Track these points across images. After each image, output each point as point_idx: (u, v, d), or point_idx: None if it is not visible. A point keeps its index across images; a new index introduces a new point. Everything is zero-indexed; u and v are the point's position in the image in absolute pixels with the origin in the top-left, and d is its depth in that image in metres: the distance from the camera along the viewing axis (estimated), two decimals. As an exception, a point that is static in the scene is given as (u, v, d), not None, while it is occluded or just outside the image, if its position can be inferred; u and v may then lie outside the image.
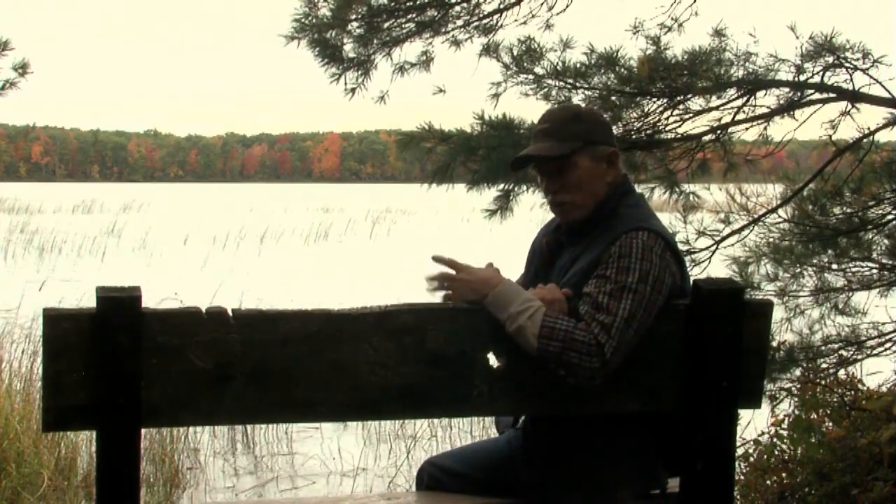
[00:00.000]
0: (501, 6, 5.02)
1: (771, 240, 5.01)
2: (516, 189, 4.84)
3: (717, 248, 4.96)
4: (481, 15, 5.03)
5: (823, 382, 4.44)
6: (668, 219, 4.90)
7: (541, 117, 2.68)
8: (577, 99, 4.84)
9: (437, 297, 2.46)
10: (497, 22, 5.04)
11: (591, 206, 2.55)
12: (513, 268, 2.80)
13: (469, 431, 7.17)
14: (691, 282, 2.51)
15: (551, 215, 2.75)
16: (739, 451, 4.05)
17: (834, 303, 5.12)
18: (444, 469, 2.79)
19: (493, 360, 2.40)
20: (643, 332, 2.36)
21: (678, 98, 4.86)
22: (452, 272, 2.45)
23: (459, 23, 5.03)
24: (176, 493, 5.85)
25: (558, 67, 4.79)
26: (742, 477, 4.11)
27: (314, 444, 6.87)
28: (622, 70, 4.78)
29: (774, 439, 4.21)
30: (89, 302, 2.27)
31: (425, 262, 2.58)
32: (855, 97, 4.71)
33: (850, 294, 5.13)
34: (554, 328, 2.30)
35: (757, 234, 5.03)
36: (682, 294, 2.48)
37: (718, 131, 4.99)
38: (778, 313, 5.14)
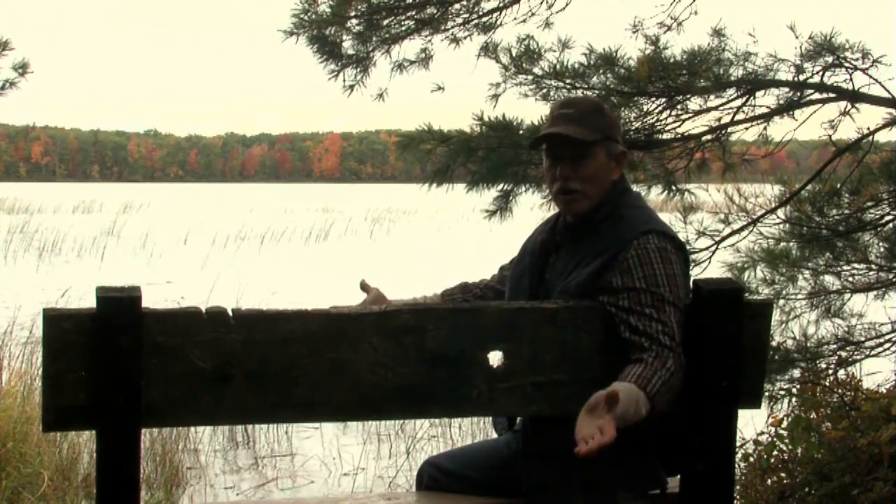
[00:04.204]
0: (501, 4, 5.02)
1: (766, 245, 5.00)
2: (516, 190, 4.84)
3: (717, 249, 4.95)
4: (481, 13, 5.02)
5: (824, 383, 4.44)
6: (667, 219, 4.89)
7: (562, 102, 2.67)
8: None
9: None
10: (496, 20, 5.04)
11: (596, 201, 2.56)
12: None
13: (469, 431, 7.17)
14: (691, 282, 2.52)
15: (550, 215, 2.75)
16: (739, 452, 4.05)
17: (830, 306, 5.11)
18: (443, 470, 2.79)
19: (493, 360, 2.40)
20: None
21: (677, 98, 4.85)
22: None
23: (459, 20, 5.03)
24: (176, 493, 5.85)
25: (557, 68, 4.79)
26: (742, 477, 4.11)
27: (314, 444, 6.88)
28: (621, 70, 4.78)
29: (774, 439, 4.21)
30: (89, 302, 2.27)
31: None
32: (855, 97, 4.71)
33: (848, 297, 5.12)
34: (656, 394, 2.30)
35: (752, 239, 5.01)
36: (688, 293, 2.50)
37: (718, 131, 4.99)
38: (774, 316, 5.12)
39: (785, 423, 4.24)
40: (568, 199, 2.57)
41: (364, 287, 2.80)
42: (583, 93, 4.80)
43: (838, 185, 4.86)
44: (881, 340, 4.99)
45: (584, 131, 2.54)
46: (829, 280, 5.15)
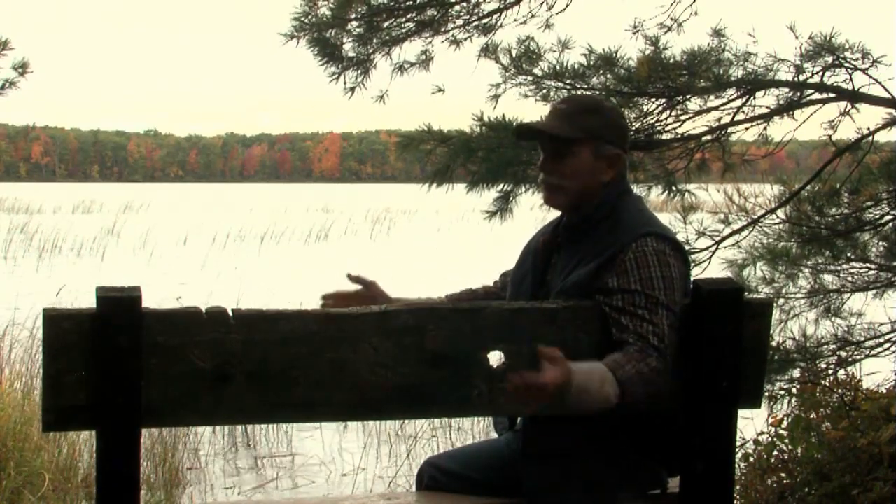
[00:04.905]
0: (501, 6, 5.02)
1: (766, 243, 5.01)
2: (516, 190, 4.85)
3: (717, 249, 4.95)
4: (481, 14, 5.03)
5: (823, 382, 4.45)
6: (667, 219, 4.89)
7: (564, 98, 2.72)
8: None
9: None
10: (497, 21, 5.04)
11: (577, 198, 2.56)
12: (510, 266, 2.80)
13: (469, 431, 7.17)
14: (691, 281, 2.52)
15: (550, 216, 2.76)
16: (739, 452, 4.05)
17: (829, 305, 5.12)
18: (443, 470, 2.79)
19: (493, 360, 2.40)
20: None
21: (677, 98, 4.85)
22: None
23: (459, 22, 5.03)
24: (176, 493, 5.85)
25: (557, 69, 4.80)
26: (742, 477, 4.11)
27: (314, 444, 6.88)
28: (621, 70, 4.78)
29: (774, 439, 4.21)
30: (89, 302, 2.27)
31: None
32: (854, 97, 4.71)
33: (848, 297, 5.13)
34: (627, 380, 2.28)
35: (752, 237, 5.02)
36: (687, 293, 2.50)
37: (718, 131, 4.99)
38: (773, 316, 5.12)
39: (785, 423, 4.25)
40: (546, 191, 2.61)
41: (354, 279, 2.80)
42: (583, 93, 4.80)
43: (838, 185, 4.87)
44: (881, 340, 4.99)
45: (563, 128, 2.54)
46: (829, 279, 5.15)
